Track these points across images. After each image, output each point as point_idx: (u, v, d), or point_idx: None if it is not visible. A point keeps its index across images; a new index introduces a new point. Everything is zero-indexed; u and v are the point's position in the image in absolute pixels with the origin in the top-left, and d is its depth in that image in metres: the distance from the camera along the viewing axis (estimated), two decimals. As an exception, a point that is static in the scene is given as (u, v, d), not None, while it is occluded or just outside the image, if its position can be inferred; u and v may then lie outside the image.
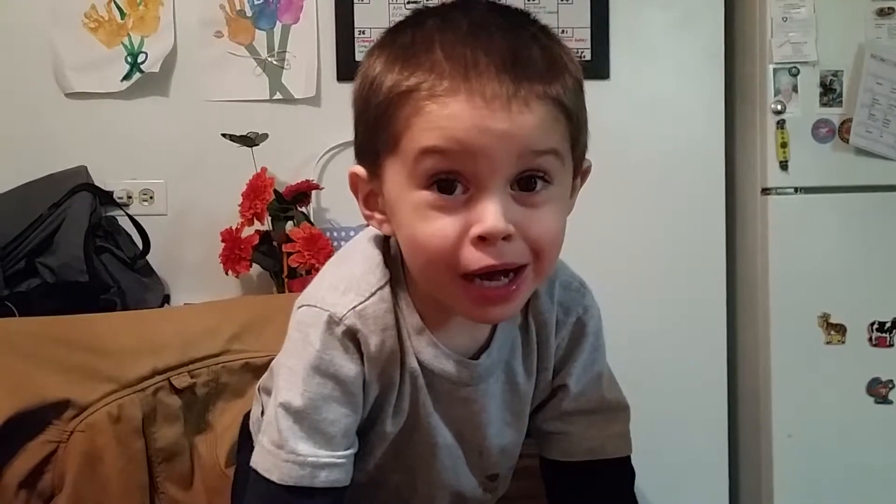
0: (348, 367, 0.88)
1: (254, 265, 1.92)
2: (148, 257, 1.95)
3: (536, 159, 0.81)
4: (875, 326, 2.04)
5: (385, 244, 0.93)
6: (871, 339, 2.04)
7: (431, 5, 0.86)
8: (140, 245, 1.95)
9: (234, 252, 1.90)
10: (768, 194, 2.03)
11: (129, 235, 1.95)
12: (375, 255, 0.93)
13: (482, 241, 0.80)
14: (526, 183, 0.82)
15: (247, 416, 1.09)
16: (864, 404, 2.04)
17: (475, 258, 0.81)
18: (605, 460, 1.01)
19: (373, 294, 0.90)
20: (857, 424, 2.04)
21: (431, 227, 0.81)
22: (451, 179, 0.80)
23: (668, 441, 2.09)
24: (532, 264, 0.84)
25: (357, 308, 0.89)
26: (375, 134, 0.84)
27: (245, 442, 1.09)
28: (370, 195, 0.89)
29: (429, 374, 0.92)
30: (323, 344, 0.88)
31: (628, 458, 1.03)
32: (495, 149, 0.78)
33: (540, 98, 0.80)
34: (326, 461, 0.88)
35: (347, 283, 0.91)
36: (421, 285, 0.89)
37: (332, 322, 0.88)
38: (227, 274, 1.91)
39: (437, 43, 0.80)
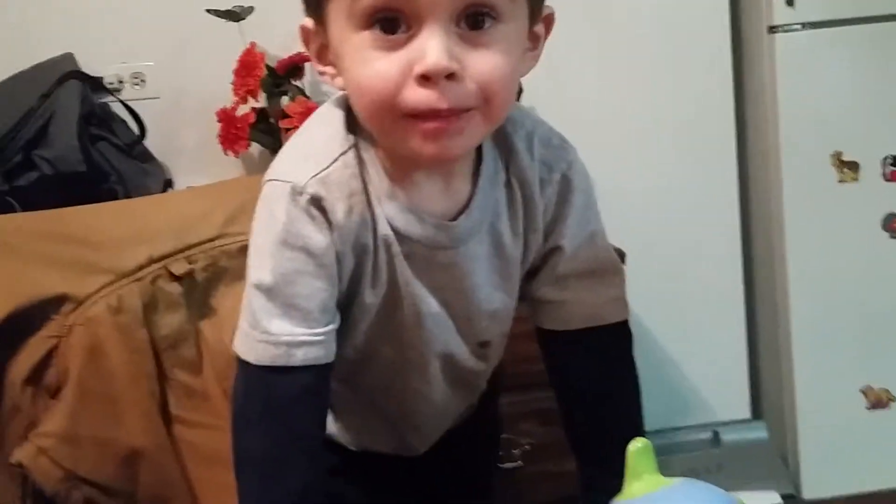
0: (316, 237, 0.86)
1: (253, 144, 1.91)
2: (145, 142, 1.92)
3: None
4: (889, 161, 1.99)
5: (349, 105, 0.89)
6: (884, 175, 2.00)
7: None
8: (136, 130, 1.92)
9: (230, 131, 1.88)
10: (775, 32, 1.96)
11: (123, 122, 1.92)
12: (336, 119, 0.90)
13: (425, 80, 0.78)
14: (473, 21, 0.80)
15: None
16: (880, 241, 2.02)
17: (418, 97, 0.79)
18: (603, 326, 1.00)
19: (335, 160, 0.88)
20: (873, 261, 2.02)
21: (373, 67, 0.80)
22: (392, 17, 0.79)
23: (682, 289, 2.10)
24: (481, 108, 0.82)
25: (319, 175, 0.86)
26: None
27: None
28: (321, 49, 0.87)
29: (404, 240, 0.90)
30: (288, 216, 0.86)
31: (626, 322, 1.02)
32: None
33: None
34: (303, 339, 0.87)
35: (307, 151, 0.89)
36: (371, 132, 0.87)
37: (294, 192, 0.86)
38: (226, 154, 1.89)
39: None
